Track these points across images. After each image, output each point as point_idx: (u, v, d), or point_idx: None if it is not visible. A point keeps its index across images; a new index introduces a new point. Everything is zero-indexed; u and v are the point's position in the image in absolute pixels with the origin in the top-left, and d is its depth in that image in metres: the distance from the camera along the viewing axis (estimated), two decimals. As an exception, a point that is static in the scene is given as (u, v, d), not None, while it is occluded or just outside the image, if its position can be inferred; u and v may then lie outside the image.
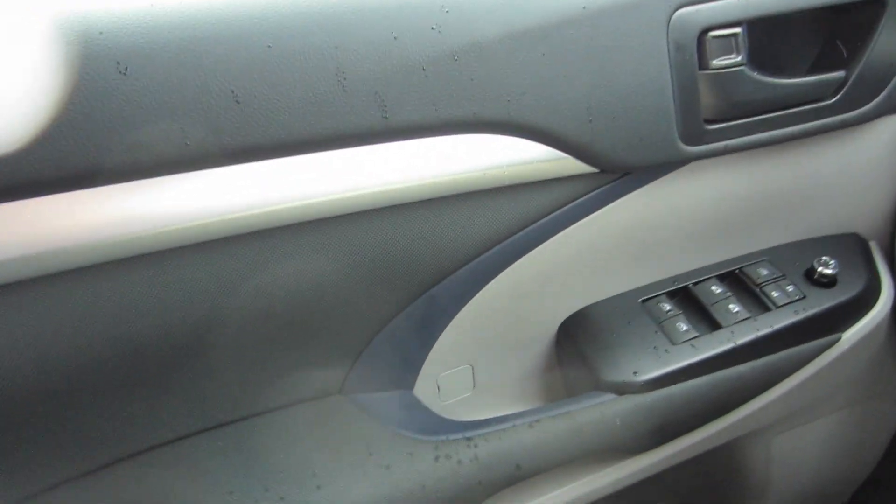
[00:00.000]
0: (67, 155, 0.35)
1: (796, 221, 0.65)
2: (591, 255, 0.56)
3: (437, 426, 0.51)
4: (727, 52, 0.51)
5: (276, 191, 0.41)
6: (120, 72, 0.35)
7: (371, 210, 0.45)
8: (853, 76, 0.56)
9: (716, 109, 0.52)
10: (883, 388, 0.81)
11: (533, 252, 0.52)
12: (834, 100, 0.56)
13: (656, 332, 0.57)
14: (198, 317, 0.42)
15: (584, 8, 0.46)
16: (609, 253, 0.57)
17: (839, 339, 0.62)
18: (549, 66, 0.46)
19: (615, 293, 0.61)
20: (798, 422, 0.68)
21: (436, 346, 0.53)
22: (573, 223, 0.53)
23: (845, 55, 0.57)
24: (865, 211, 0.67)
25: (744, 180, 0.59)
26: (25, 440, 0.41)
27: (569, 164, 0.50)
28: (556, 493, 0.54)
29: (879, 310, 0.63)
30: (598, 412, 0.53)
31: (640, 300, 0.60)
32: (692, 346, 0.56)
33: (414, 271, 0.49)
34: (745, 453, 0.67)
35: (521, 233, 0.51)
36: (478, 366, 0.58)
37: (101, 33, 0.35)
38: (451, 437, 0.49)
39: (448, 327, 0.53)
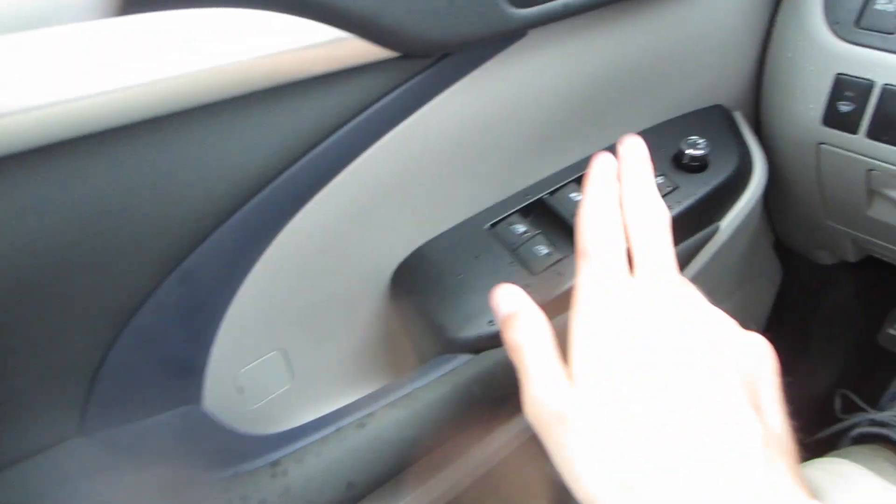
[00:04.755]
0: None
1: (656, 100, 0.55)
2: (415, 174, 0.41)
3: (230, 453, 0.36)
4: None
5: None
6: None
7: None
8: None
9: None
10: (758, 269, 0.77)
11: (339, 177, 0.37)
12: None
13: (511, 262, 0.45)
14: None
15: None
16: (439, 168, 0.43)
17: (717, 228, 0.53)
18: None
19: (455, 222, 0.47)
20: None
21: (223, 332, 0.37)
22: (385, 131, 0.37)
23: None
24: (728, 77, 0.58)
25: (594, 54, 0.46)
26: None
27: (355, 48, 0.34)
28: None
29: (754, 190, 0.56)
30: (449, 383, 0.40)
31: (487, 226, 0.47)
32: (557, 272, 0.44)
33: (164, 226, 0.32)
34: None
35: (314, 151, 0.35)
36: (292, 349, 0.43)
37: None
38: (250, 466, 0.34)
39: (235, 300, 0.36)
